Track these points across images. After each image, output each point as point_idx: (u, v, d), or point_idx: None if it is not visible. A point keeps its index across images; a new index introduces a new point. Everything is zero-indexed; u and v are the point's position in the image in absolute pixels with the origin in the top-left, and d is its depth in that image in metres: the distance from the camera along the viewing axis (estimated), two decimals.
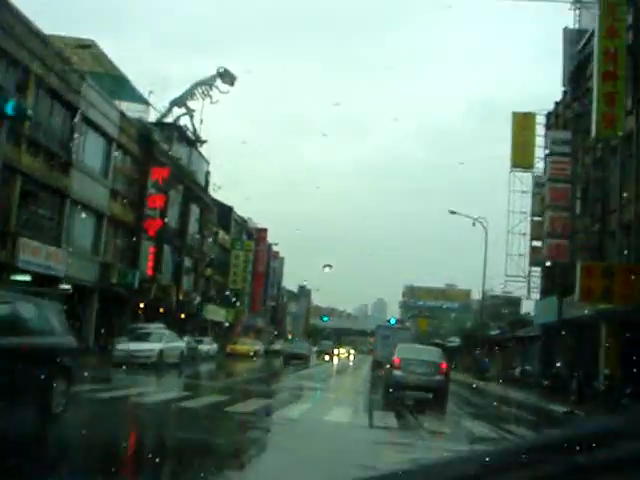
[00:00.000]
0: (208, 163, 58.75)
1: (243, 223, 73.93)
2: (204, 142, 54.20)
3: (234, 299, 68.23)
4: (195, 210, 55.76)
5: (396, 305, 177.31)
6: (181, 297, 51.66)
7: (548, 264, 33.93)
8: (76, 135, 34.16)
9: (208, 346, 46.00)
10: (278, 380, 26.77)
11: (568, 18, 36.62)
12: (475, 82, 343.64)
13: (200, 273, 57.05)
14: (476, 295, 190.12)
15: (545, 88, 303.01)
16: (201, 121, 53.40)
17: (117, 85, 41.14)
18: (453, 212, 46.93)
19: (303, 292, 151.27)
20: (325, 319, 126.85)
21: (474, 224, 45.77)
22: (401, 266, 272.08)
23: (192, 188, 53.00)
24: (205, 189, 58.14)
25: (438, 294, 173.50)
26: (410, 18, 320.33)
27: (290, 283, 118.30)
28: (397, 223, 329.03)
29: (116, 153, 39.56)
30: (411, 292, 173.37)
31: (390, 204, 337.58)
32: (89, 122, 35.70)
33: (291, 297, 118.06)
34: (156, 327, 34.98)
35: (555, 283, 35.19)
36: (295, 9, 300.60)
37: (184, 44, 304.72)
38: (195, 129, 53.52)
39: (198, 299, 53.04)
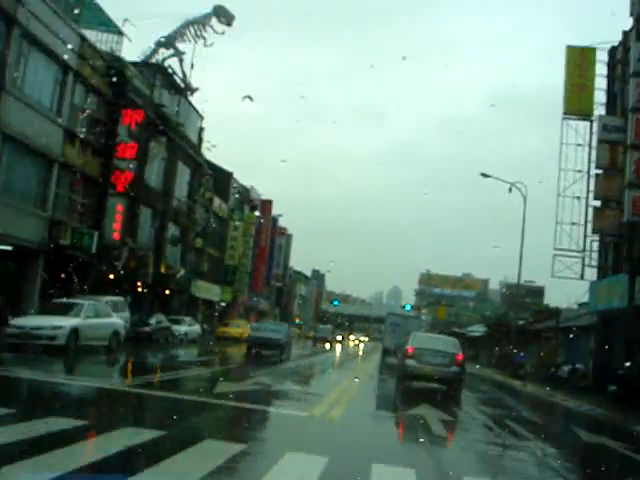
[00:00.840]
0: (202, 118, 51.03)
1: (245, 192, 66.20)
2: (195, 90, 46.59)
3: (231, 276, 60.70)
4: (184, 170, 48.17)
5: (412, 292, 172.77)
6: (163, 270, 44.23)
7: (615, 231, 26.07)
8: (12, 53, 26.62)
9: (187, 327, 38.43)
10: (235, 379, 17.47)
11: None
12: (494, 72, 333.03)
13: (189, 244, 49.50)
14: (493, 284, 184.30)
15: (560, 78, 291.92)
16: (192, 66, 45.73)
17: (78, 4, 33.55)
18: (486, 175, 39.04)
19: (316, 277, 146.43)
20: (336, 303, 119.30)
21: (510, 190, 37.89)
22: (417, 254, 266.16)
23: (180, 143, 45.35)
24: (197, 147, 50.44)
25: (455, 282, 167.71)
26: (428, 7, 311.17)
27: (301, 266, 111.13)
28: (414, 212, 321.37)
29: (74, 87, 32.00)
30: (427, 279, 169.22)
31: (407, 193, 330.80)
32: (33, 40, 28.03)
33: (300, 279, 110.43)
34: (111, 299, 27.64)
35: (623, 257, 27.34)
36: None
37: None
38: (185, 75, 45.89)
39: (182, 272, 45.54)
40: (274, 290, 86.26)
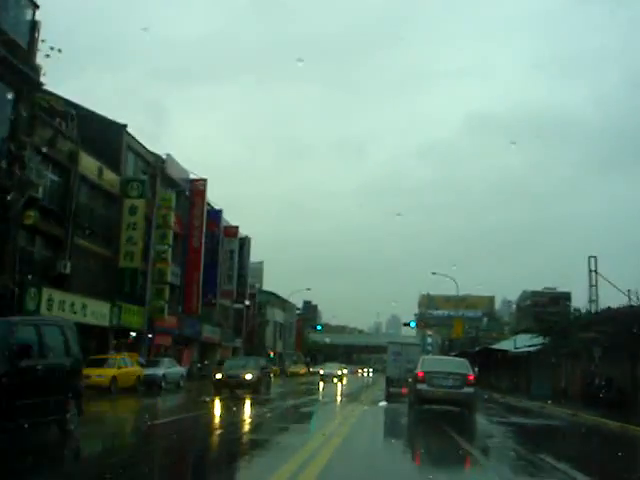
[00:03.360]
0: (36, 5, 29.03)
1: (157, 162, 43.78)
2: None
3: (130, 286, 38.16)
4: None
5: (412, 318, 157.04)
6: None
7: None
8: None
9: None
10: None
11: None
12: (468, 97, 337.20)
13: (14, 220, 27.13)
14: (499, 303, 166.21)
15: (536, 96, 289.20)
16: None
17: None
18: None
19: (309, 309, 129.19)
20: (319, 328, 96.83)
21: None
22: (413, 282, 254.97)
23: None
24: (26, 51, 28.29)
25: (457, 302, 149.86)
26: (399, 41, 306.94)
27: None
28: (405, 239, 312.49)
29: None
30: (428, 301, 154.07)
31: (395, 222, 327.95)
32: None
33: (274, 302, 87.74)
34: None
35: None
36: (289, 35, 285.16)
37: (180, 74, 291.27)
38: None
39: None
40: (231, 314, 63.48)
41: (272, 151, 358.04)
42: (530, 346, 40.97)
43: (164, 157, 44.68)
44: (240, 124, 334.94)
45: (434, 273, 66.08)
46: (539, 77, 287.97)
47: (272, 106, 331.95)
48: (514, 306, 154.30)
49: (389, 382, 38.89)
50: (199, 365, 52.21)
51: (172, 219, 43.06)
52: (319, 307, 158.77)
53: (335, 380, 59.21)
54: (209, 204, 52.09)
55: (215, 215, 54.15)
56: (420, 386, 19.98)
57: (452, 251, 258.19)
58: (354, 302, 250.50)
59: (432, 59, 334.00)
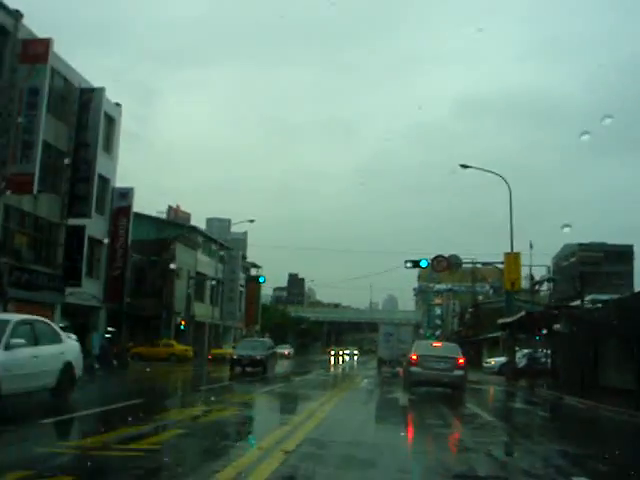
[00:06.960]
0: None
1: None
2: None
3: None
4: None
5: (410, 295, 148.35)
6: None
7: None
8: None
9: None
10: None
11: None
12: (460, 81, 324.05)
13: None
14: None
15: (528, 80, 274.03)
16: None
17: None
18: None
19: (295, 282, 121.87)
20: (262, 280, 67.29)
21: None
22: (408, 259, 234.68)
23: None
24: None
25: (463, 274, 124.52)
26: (389, 25, 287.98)
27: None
28: (399, 219, 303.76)
29: None
30: (429, 274, 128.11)
31: (390, 203, 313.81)
32: None
33: (192, 240, 55.82)
34: None
35: None
36: (283, 19, 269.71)
37: (172, 56, 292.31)
38: None
39: None
40: (58, 240, 31.62)
41: (263, 133, 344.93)
42: None
43: None
44: (231, 106, 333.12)
45: (465, 166, 36.83)
46: (528, 60, 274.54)
47: (263, 89, 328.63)
48: (549, 267, 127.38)
49: (381, 363, 40.24)
50: None
51: None
52: (310, 285, 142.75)
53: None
54: None
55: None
56: (413, 369, 21.72)
57: (446, 231, 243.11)
58: (349, 282, 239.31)
59: (422, 43, 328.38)
